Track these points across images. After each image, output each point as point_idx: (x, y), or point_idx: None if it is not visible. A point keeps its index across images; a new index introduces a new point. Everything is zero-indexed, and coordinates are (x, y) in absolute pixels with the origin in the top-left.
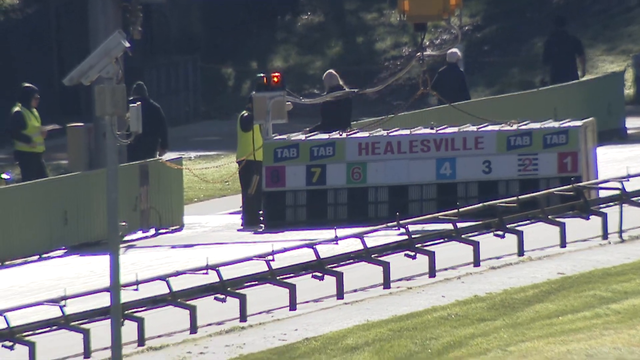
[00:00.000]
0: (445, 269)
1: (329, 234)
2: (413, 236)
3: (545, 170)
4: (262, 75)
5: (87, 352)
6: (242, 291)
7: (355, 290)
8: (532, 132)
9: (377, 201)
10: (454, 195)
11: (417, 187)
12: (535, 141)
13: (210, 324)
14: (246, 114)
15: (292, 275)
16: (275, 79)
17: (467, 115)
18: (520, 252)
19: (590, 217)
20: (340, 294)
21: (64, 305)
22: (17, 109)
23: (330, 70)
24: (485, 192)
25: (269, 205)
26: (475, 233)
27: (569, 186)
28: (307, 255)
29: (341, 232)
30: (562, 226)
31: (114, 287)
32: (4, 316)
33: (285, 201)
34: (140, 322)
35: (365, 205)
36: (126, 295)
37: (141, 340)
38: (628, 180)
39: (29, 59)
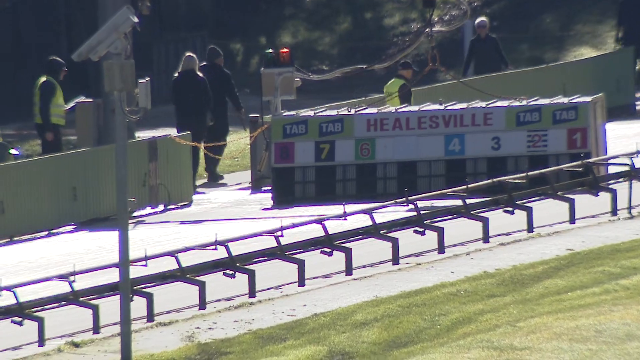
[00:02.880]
0: (454, 245)
1: (337, 209)
2: (422, 212)
3: (555, 147)
4: (270, 51)
5: (96, 327)
6: (251, 267)
7: (364, 266)
8: (542, 108)
9: (386, 177)
10: (463, 171)
11: (426, 163)
12: (544, 117)
13: (219, 300)
14: None
15: (300, 251)
16: (284, 55)
17: (476, 91)
18: (530, 229)
19: (600, 193)
20: (349, 270)
21: (73, 281)
22: (44, 79)
23: (189, 54)
24: (494, 168)
25: (277, 181)
26: (485, 209)
27: (578, 162)
28: (315, 231)
29: (350, 208)
30: (572, 202)
31: (123, 263)
32: (13, 292)
33: (294, 177)
34: (149, 297)
35: (374, 181)
36: (135, 271)
37: (150, 316)
38: (637, 156)
39: (38, 35)
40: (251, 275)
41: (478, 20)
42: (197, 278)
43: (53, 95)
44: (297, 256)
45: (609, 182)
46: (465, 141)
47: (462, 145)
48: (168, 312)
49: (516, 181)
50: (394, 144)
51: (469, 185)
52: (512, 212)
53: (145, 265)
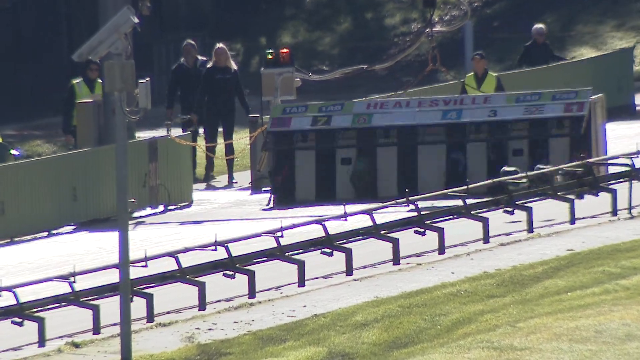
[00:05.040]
0: (455, 246)
1: (338, 210)
2: (422, 212)
3: (552, 112)
4: (270, 51)
5: (96, 327)
6: (250, 267)
7: (364, 267)
8: (542, 92)
9: (384, 144)
10: (463, 136)
11: (424, 127)
12: (543, 97)
13: (219, 301)
14: None
15: (301, 251)
16: (284, 55)
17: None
18: (530, 229)
19: (600, 193)
20: (349, 271)
21: (74, 282)
22: (73, 81)
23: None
24: (493, 132)
25: (274, 145)
26: (485, 209)
27: (578, 162)
28: (316, 231)
29: (350, 208)
30: (572, 203)
31: (123, 264)
32: (14, 292)
33: (291, 141)
34: (149, 298)
35: (373, 148)
36: (135, 272)
37: (150, 317)
38: (638, 156)
39: (38, 35)
40: (251, 276)
41: (536, 26)
42: (197, 279)
43: (70, 99)
44: (297, 257)
45: (609, 182)
46: (463, 112)
47: (459, 115)
48: (168, 312)
49: (516, 181)
50: (392, 115)
51: (470, 186)
52: (512, 212)
53: (146, 266)
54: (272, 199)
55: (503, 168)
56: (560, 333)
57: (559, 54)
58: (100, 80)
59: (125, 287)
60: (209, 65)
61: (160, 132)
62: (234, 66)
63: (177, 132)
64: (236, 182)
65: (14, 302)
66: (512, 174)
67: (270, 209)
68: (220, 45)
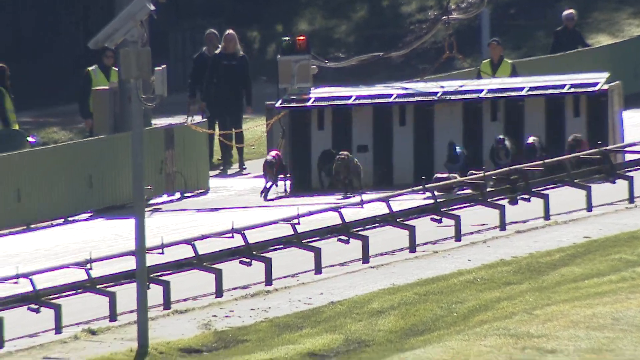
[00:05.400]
0: (471, 233)
1: (354, 197)
2: (439, 200)
3: (567, 89)
4: (287, 38)
5: (112, 314)
6: (267, 255)
7: (380, 254)
8: (558, 77)
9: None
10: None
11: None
12: (558, 80)
13: (235, 288)
14: None
15: (317, 238)
16: (301, 43)
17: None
18: (547, 216)
19: (617, 180)
20: (365, 258)
21: (90, 269)
22: (89, 68)
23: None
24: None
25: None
26: (502, 197)
27: (595, 150)
28: (332, 219)
29: (366, 196)
30: (589, 190)
31: (140, 251)
32: (30, 279)
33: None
34: (165, 285)
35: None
36: (152, 259)
37: (167, 304)
38: None
39: (55, 22)
40: (268, 263)
41: (566, 12)
42: (214, 266)
43: (85, 88)
44: (313, 244)
45: (626, 169)
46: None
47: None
48: (185, 300)
49: (533, 168)
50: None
51: (486, 173)
52: (529, 200)
53: (162, 253)
54: (287, 186)
55: (435, 175)
56: (577, 320)
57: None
58: (115, 68)
59: (141, 274)
60: (217, 51)
61: (177, 120)
62: (242, 52)
63: (199, 120)
64: (245, 168)
65: (30, 288)
66: (444, 180)
67: (288, 196)
68: (229, 31)
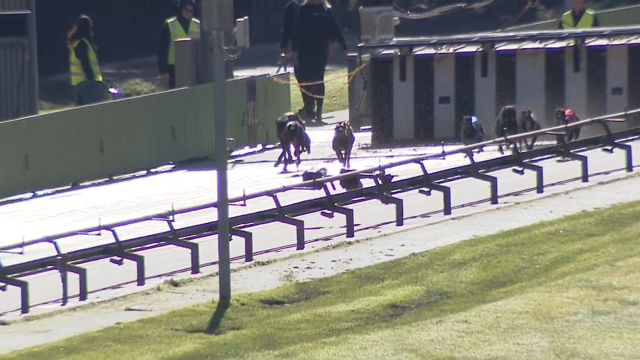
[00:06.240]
0: (553, 184)
1: (435, 149)
2: (520, 151)
3: None
4: None
5: (195, 266)
6: (349, 206)
7: (462, 206)
8: None
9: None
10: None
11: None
12: None
13: (317, 239)
14: None
15: (399, 190)
16: None
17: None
18: (629, 167)
19: None
20: (447, 209)
21: (172, 220)
22: (167, 20)
23: None
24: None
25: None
26: (583, 148)
27: None
28: (413, 170)
29: (448, 147)
30: None
31: (222, 202)
32: (113, 231)
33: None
34: (247, 237)
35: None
36: (233, 211)
37: (249, 255)
38: None
39: None
40: (349, 214)
41: None
42: (295, 218)
43: (164, 40)
44: (395, 196)
45: None
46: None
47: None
48: (266, 251)
49: (615, 120)
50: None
51: (568, 125)
52: (611, 151)
53: (244, 205)
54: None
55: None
56: None
57: None
58: (195, 20)
59: (223, 226)
60: (303, 3)
61: (259, 71)
62: (328, 5)
63: (290, 69)
64: (323, 120)
65: (113, 240)
66: (314, 175)
67: (369, 147)
68: None
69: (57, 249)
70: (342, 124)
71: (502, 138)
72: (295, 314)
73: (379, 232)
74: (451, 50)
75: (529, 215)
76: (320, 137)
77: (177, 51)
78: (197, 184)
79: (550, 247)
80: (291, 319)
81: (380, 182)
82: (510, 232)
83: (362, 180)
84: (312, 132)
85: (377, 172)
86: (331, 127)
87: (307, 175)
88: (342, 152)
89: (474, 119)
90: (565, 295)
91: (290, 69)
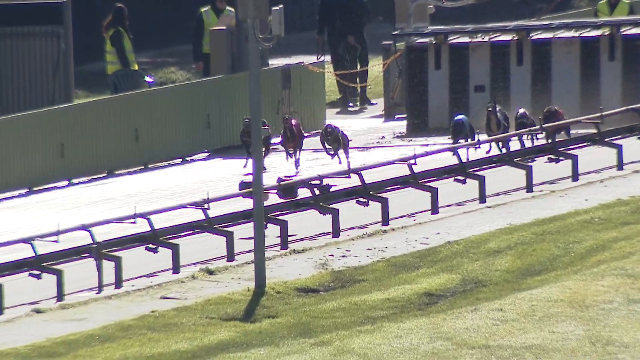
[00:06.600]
0: (588, 173)
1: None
2: (556, 140)
3: None
4: None
5: (230, 254)
6: (384, 195)
7: (497, 194)
8: None
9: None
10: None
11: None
12: None
13: (352, 228)
14: None
15: (433, 179)
16: None
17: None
18: None
19: None
20: (482, 198)
21: (207, 209)
22: (201, 9)
23: None
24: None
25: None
26: (619, 136)
27: None
28: (448, 159)
29: (483, 136)
30: None
31: (257, 190)
32: (148, 219)
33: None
34: (283, 225)
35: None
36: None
37: (284, 244)
38: None
39: None
40: (384, 203)
41: None
42: (331, 206)
43: (197, 29)
44: (430, 184)
45: None
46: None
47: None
48: (302, 239)
49: None
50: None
51: (603, 113)
52: None
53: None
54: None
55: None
56: None
57: None
58: (229, 8)
59: (259, 214)
60: None
61: (294, 60)
62: None
63: (327, 58)
64: (366, 108)
65: (148, 228)
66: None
67: (404, 136)
68: None
69: (92, 237)
70: (287, 117)
71: (537, 127)
72: (331, 302)
73: (414, 220)
74: (486, 38)
75: (564, 203)
76: (355, 125)
77: (213, 40)
78: (232, 172)
79: (586, 235)
80: (326, 307)
81: (317, 192)
82: (545, 220)
83: (393, 168)
84: (350, 121)
85: (317, 182)
86: (368, 116)
87: (243, 184)
88: (290, 150)
89: (460, 117)
90: (601, 284)
91: (327, 58)
